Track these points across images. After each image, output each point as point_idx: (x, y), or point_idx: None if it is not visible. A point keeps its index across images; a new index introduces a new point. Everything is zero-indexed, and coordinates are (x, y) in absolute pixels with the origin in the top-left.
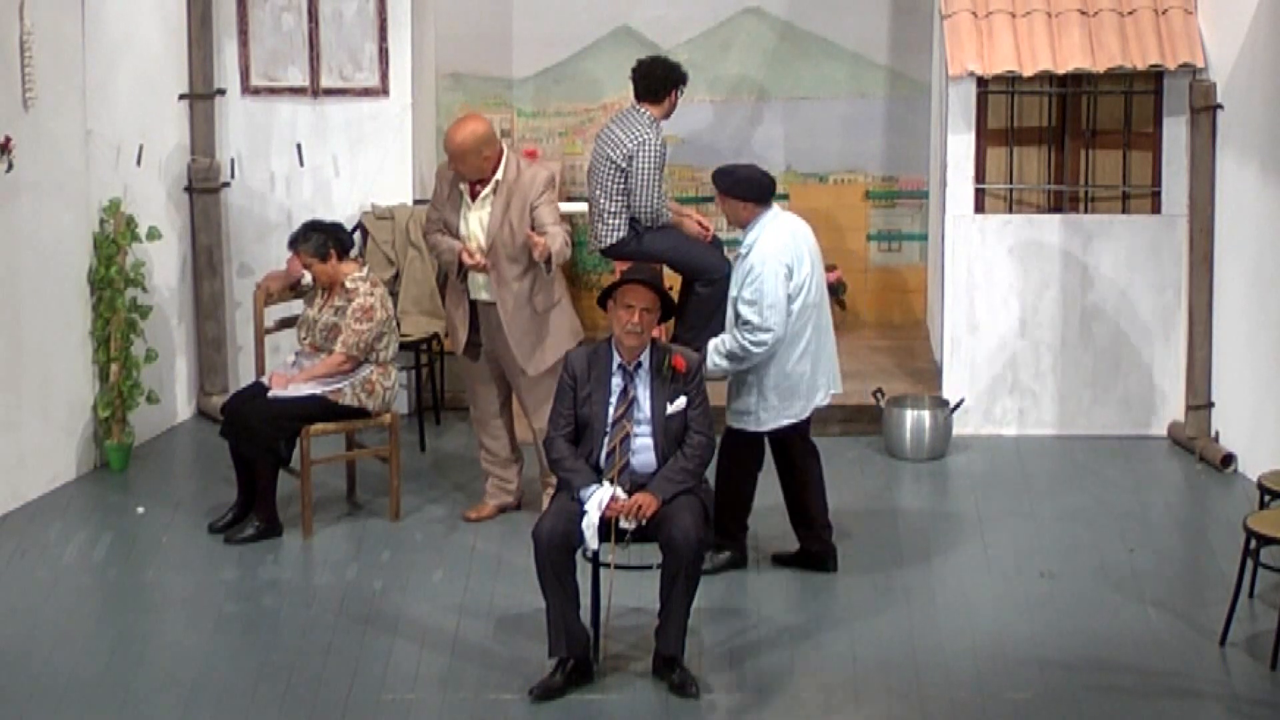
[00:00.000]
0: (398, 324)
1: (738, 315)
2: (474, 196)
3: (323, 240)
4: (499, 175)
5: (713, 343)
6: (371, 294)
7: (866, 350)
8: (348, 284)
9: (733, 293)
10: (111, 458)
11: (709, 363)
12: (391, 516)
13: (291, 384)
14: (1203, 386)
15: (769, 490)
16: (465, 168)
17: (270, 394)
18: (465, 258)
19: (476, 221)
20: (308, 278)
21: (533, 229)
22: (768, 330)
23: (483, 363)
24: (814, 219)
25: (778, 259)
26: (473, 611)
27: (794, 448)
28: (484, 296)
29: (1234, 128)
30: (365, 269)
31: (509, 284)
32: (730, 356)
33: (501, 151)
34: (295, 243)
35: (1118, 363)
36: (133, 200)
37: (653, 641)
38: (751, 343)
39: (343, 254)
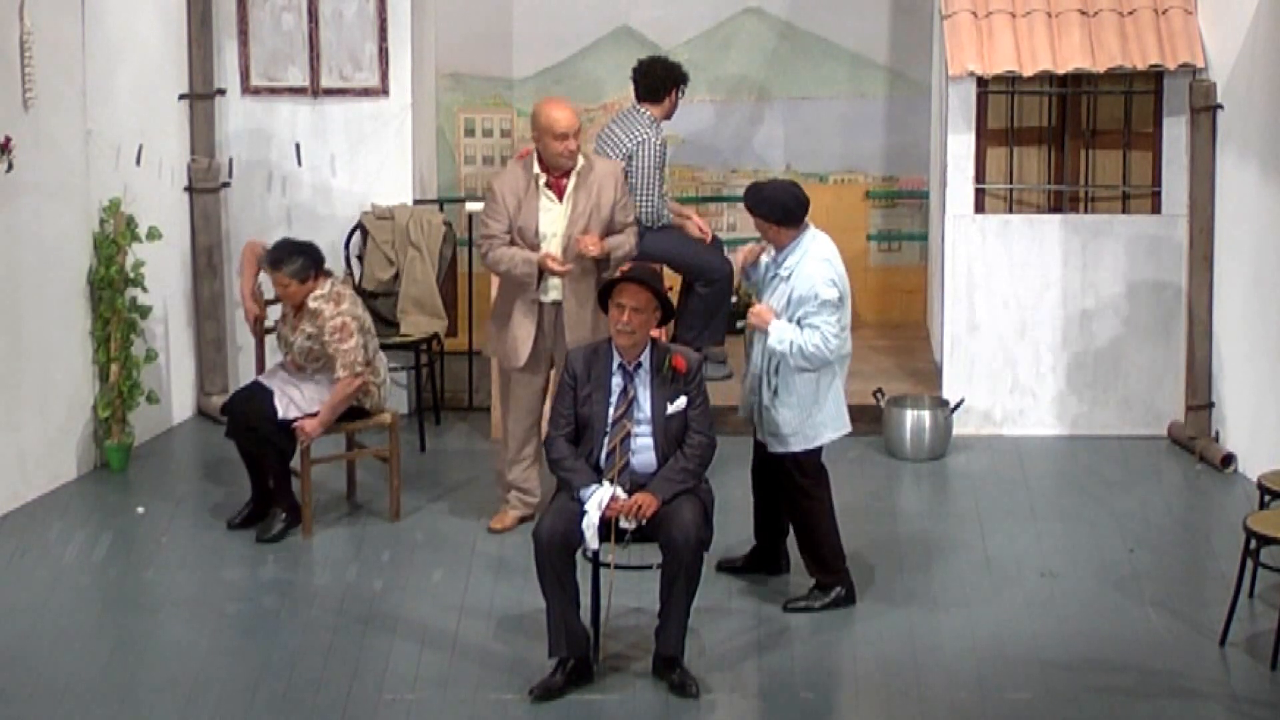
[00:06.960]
0: (372, 326)
1: (802, 326)
2: (558, 191)
3: (306, 264)
4: (578, 166)
5: (788, 331)
6: (338, 313)
7: (866, 350)
8: (310, 304)
9: (786, 315)
10: (111, 458)
11: (781, 342)
12: (391, 516)
13: (320, 424)
14: (1203, 386)
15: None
16: (569, 145)
17: (282, 418)
18: (553, 265)
19: (562, 217)
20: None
21: (608, 228)
22: (838, 342)
23: (529, 376)
24: (814, 219)
25: (834, 282)
26: (473, 611)
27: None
28: (553, 296)
29: (1234, 128)
30: (327, 283)
31: (578, 280)
32: (809, 355)
33: None
34: (279, 263)
35: (1118, 363)
36: (133, 200)
37: (653, 641)
38: (827, 346)
39: (319, 274)
